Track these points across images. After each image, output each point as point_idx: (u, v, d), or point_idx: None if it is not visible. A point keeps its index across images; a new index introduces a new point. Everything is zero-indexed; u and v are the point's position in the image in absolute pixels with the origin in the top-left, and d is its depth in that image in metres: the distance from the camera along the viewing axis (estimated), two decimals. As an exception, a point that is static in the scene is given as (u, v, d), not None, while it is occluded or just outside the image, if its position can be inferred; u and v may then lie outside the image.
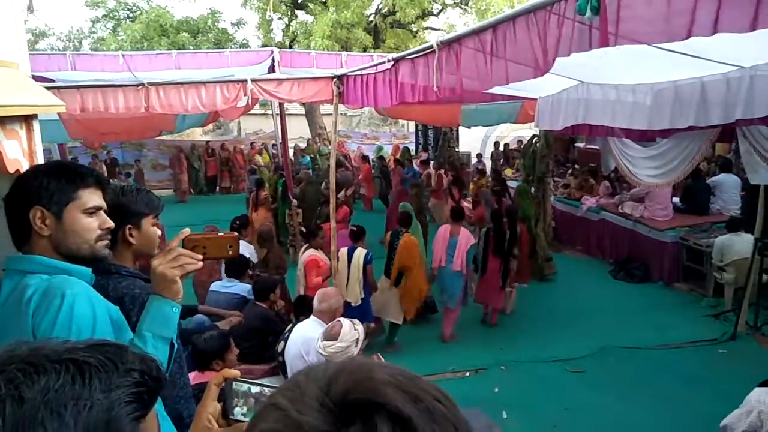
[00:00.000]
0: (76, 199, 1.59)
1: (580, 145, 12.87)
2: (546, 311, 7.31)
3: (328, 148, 13.15)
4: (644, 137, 6.25)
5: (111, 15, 22.23)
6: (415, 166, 12.94)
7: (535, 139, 10.38)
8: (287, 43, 18.30)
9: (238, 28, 22.00)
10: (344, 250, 5.96)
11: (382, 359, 4.71)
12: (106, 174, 13.52)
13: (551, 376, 5.60)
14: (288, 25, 18.68)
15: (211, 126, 21.37)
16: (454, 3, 19.21)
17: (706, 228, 8.09)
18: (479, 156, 15.80)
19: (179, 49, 15.48)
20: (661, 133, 5.72)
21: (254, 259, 6.25)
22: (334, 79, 5.68)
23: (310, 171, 12.91)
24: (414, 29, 19.11)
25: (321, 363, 0.62)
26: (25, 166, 2.08)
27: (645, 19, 2.22)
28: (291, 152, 14.58)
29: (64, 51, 13.72)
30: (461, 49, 3.43)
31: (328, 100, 5.96)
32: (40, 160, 2.32)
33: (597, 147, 10.82)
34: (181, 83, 5.57)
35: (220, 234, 1.66)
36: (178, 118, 8.29)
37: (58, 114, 6.12)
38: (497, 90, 4.93)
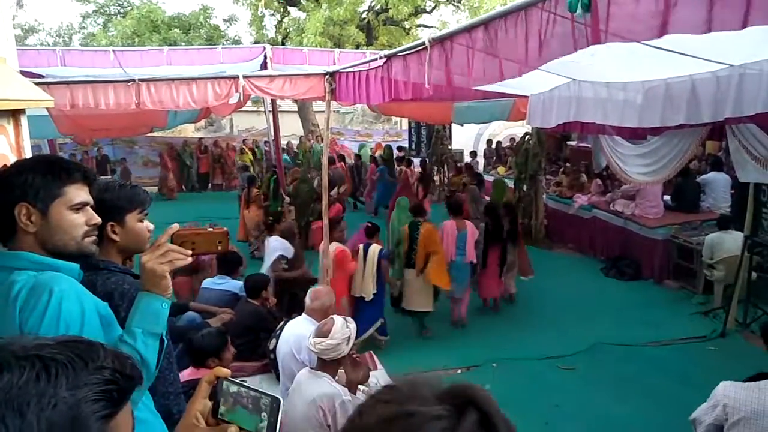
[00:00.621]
0: (62, 195, 1.57)
1: (573, 143, 12.91)
2: (537, 309, 7.34)
3: (321, 145, 13.17)
4: (635, 135, 6.28)
5: (101, 10, 22.10)
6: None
7: (527, 137, 10.42)
8: (280, 39, 18.25)
9: (230, 24, 21.97)
10: (360, 247, 6.11)
11: (375, 358, 4.72)
12: (96, 171, 13.46)
13: (542, 373, 5.63)
14: (280, 22, 18.64)
15: (203, 123, 21.32)
16: (447, 0, 19.21)
17: (696, 226, 8.14)
18: (473, 153, 15.86)
19: (171, 45, 15.38)
20: (652, 130, 5.75)
21: (289, 254, 6.54)
22: (327, 76, 5.65)
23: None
24: (407, 26, 19.12)
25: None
26: (12, 161, 2.06)
27: (635, 16, 2.23)
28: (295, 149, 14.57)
29: (54, 47, 13.59)
30: (453, 46, 3.43)
31: (321, 97, 5.94)
32: (28, 155, 2.30)
33: (589, 145, 10.87)
34: (172, 79, 5.55)
35: (210, 229, 1.65)
36: (170, 114, 8.26)
37: (48, 110, 6.07)
38: (489, 87, 4.94)
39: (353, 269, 5.97)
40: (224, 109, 8.69)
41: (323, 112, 6.19)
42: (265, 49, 11.13)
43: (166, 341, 1.68)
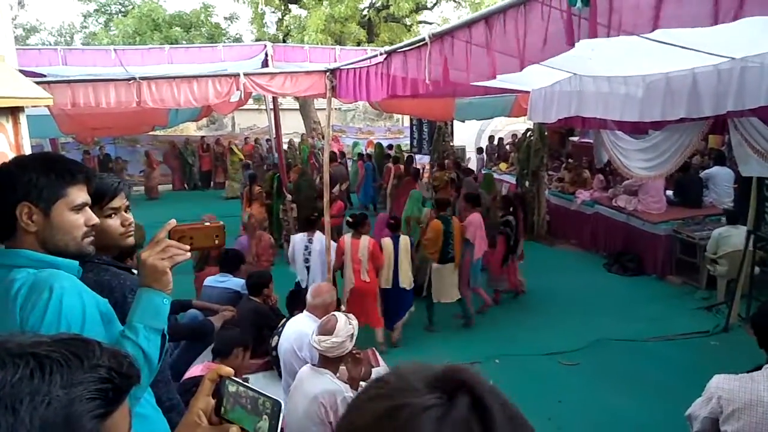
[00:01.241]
0: (65, 196, 1.57)
1: (575, 138, 12.89)
2: (540, 304, 7.33)
3: (322, 142, 13.21)
4: (636, 129, 6.25)
5: (103, 10, 22.10)
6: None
7: (529, 133, 10.40)
8: (281, 37, 18.21)
9: (231, 22, 21.94)
10: (388, 240, 6.19)
11: (377, 354, 4.72)
12: (98, 170, 13.47)
13: (545, 368, 5.62)
14: (281, 20, 18.60)
15: (205, 121, 21.33)
16: (448, -3, 19.16)
17: (699, 221, 8.12)
18: (479, 150, 15.88)
19: (172, 43, 15.36)
20: (653, 125, 5.73)
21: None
22: (327, 73, 5.65)
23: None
24: (408, 23, 19.05)
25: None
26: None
27: (635, 10, 2.22)
28: (285, 146, 14.59)
29: (56, 46, 13.58)
30: (453, 41, 3.42)
31: (321, 94, 5.93)
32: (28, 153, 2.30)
33: (591, 141, 10.84)
34: (173, 77, 5.54)
35: (207, 224, 1.65)
36: (171, 112, 8.24)
37: (50, 109, 6.07)
38: (491, 83, 4.93)
39: (383, 263, 6.04)
40: (225, 107, 8.67)
41: (325, 109, 6.19)
42: (266, 46, 11.10)
43: (167, 336, 1.68)
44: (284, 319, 4.29)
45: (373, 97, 5.06)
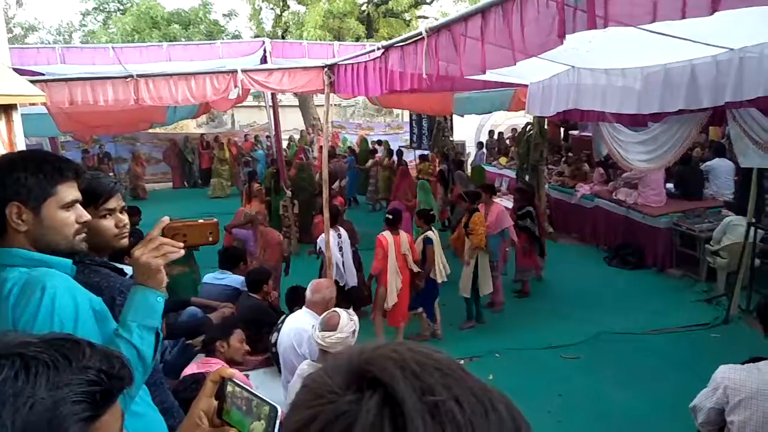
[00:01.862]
0: (55, 194, 1.55)
1: (575, 132, 12.85)
2: (541, 298, 7.33)
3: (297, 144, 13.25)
4: (635, 122, 6.23)
5: (101, 8, 22.09)
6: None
7: (528, 127, 10.36)
8: (279, 33, 18.19)
9: (230, 19, 21.97)
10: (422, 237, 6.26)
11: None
12: (97, 168, 13.46)
13: (546, 362, 5.63)
14: (280, 16, 18.56)
15: (204, 119, 21.31)
16: (447, -9, 19.09)
17: (699, 213, 8.09)
18: (480, 144, 15.86)
19: (170, 41, 15.35)
20: (651, 117, 5.70)
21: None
22: (325, 69, 5.63)
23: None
24: (407, 18, 19.01)
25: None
26: (0, 156, 2.03)
27: (633, 1, 2.20)
28: (285, 143, 14.61)
29: (54, 45, 13.55)
30: (450, 35, 3.40)
31: (320, 90, 5.91)
32: (22, 151, 2.29)
33: (591, 134, 10.81)
34: (170, 75, 5.52)
35: (200, 221, 1.64)
36: (169, 110, 8.24)
37: (47, 108, 6.06)
38: (489, 77, 4.91)
39: (417, 258, 6.09)
40: (224, 103, 8.67)
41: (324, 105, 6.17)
42: (264, 43, 11.06)
43: (161, 335, 1.67)
44: (284, 316, 4.28)
45: (371, 92, 5.04)
